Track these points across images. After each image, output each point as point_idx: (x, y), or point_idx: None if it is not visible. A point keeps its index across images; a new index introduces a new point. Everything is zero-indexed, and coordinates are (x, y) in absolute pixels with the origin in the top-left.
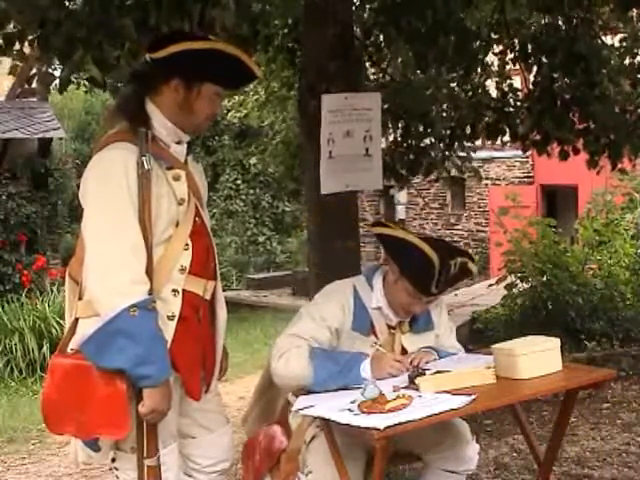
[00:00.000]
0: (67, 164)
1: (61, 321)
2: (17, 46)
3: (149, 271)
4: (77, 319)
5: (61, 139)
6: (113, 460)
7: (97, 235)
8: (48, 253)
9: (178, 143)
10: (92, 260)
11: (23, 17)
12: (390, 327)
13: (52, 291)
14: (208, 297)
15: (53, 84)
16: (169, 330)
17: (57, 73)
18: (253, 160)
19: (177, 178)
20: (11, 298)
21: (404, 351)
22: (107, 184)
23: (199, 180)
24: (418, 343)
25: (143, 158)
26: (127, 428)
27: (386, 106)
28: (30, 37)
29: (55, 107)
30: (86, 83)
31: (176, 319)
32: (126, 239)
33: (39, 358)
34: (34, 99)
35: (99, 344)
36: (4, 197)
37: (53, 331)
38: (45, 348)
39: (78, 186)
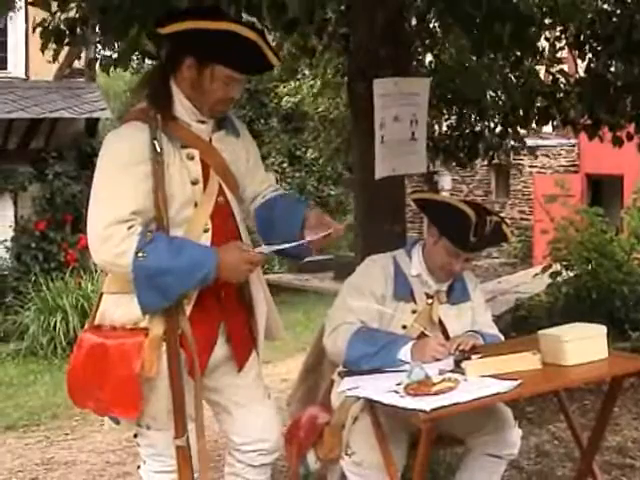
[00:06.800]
0: None
1: None
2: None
3: None
4: (102, 294)
5: (108, 119)
6: (135, 436)
7: (89, 211)
8: None
9: (202, 122)
10: (88, 236)
11: (86, 4)
12: (428, 296)
13: (96, 270)
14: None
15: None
16: (185, 313)
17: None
18: (309, 152)
19: (190, 157)
20: (55, 276)
21: (441, 323)
22: (107, 163)
23: (231, 156)
24: (455, 314)
25: (154, 142)
26: (137, 410)
27: (439, 92)
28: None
29: (100, 88)
30: (133, 65)
31: (192, 302)
32: (106, 216)
33: None
34: (82, 79)
35: (156, 291)
36: (50, 176)
37: None
38: None
39: None
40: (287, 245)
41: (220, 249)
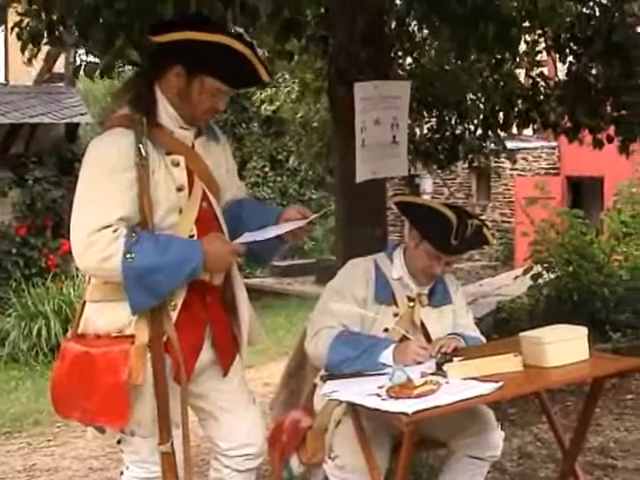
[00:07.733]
0: None
1: None
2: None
3: None
4: (84, 302)
5: (88, 124)
6: (119, 442)
7: (73, 217)
8: None
9: (184, 129)
10: (71, 242)
11: (66, 6)
12: (410, 299)
13: (77, 276)
14: (217, 282)
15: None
16: (171, 319)
17: (85, 58)
18: (292, 159)
19: (176, 164)
20: (36, 282)
21: (423, 326)
22: (92, 169)
23: (213, 162)
24: (436, 317)
25: (140, 146)
26: (125, 419)
27: (419, 95)
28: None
29: (80, 92)
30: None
31: (178, 308)
32: (91, 222)
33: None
34: (62, 84)
35: (146, 291)
36: (31, 181)
37: None
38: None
39: None
40: (266, 234)
41: (204, 240)
